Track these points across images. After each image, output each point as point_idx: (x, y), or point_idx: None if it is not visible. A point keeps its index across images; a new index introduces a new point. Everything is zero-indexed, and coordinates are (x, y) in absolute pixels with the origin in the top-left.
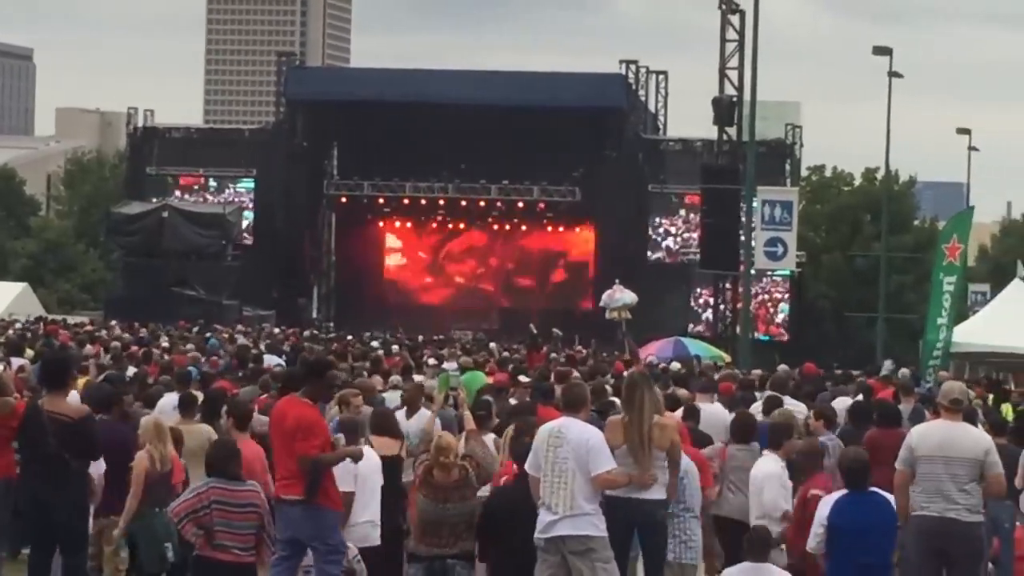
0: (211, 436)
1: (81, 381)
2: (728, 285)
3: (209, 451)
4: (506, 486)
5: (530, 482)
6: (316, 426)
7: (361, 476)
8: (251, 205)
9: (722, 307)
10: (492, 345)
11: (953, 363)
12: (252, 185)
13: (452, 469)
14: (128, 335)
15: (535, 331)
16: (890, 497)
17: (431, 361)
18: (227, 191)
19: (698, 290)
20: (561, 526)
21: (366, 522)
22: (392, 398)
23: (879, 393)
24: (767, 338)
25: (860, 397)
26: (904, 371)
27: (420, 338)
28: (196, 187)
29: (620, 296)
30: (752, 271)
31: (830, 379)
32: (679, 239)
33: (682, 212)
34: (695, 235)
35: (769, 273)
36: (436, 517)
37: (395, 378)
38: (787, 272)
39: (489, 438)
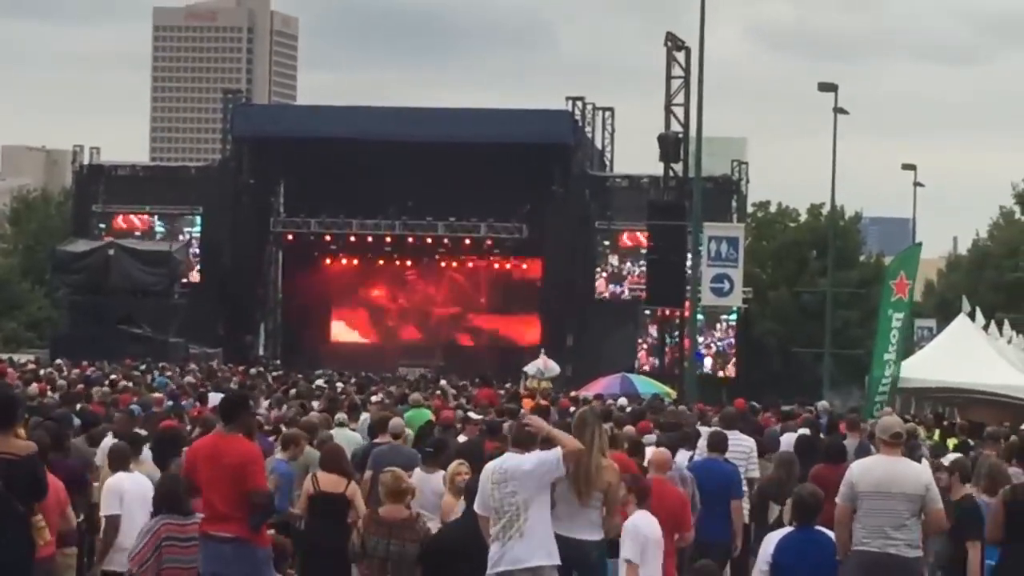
0: (155, 476)
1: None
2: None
3: (158, 487)
4: (453, 523)
5: (480, 522)
6: (261, 461)
7: (127, 499)
8: (197, 243)
9: (667, 344)
10: (443, 382)
11: (899, 398)
12: (199, 228)
13: (402, 506)
14: (76, 373)
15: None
16: (831, 534)
17: (373, 399)
18: (175, 229)
19: (644, 327)
20: (514, 557)
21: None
22: (340, 435)
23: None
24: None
25: (807, 431)
26: (823, 403)
27: (365, 375)
28: (138, 232)
29: (551, 367)
30: (699, 308)
31: (776, 415)
32: (621, 275)
33: (613, 260)
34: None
35: (722, 319)
36: (379, 553)
37: (341, 416)
38: (734, 318)
39: (439, 475)
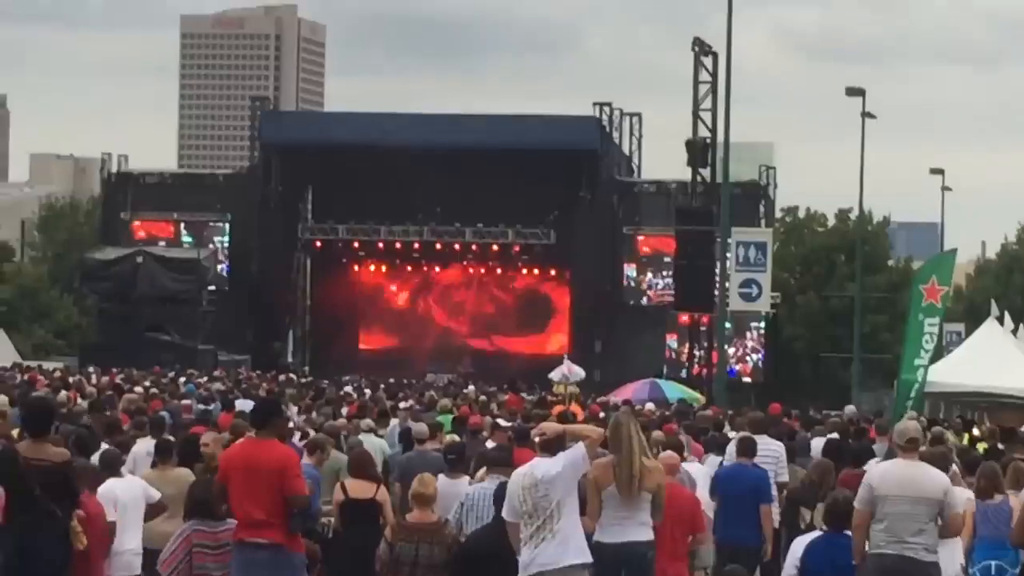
0: (189, 480)
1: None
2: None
3: (190, 493)
4: (483, 528)
5: (508, 528)
6: (298, 465)
7: (122, 504)
8: (225, 250)
9: (697, 349)
10: (470, 388)
11: (927, 402)
12: (227, 239)
13: (429, 511)
14: (105, 380)
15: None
16: None
17: (402, 404)
18: (203, 237)
19: (673, 332)
20: (547, 559)
21: (128, 550)
22: (367, 442)
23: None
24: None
25: (835, 435)
26: (850, 408)
27: (393, 381)
28: (164, 240)
29: (576, 372)
30: (727, 312)
31: (804, 420)
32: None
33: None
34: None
35: (752, 327)
36: (409, 559)
37: (367, 422)
38: (763, 325)
39: (463, 480)
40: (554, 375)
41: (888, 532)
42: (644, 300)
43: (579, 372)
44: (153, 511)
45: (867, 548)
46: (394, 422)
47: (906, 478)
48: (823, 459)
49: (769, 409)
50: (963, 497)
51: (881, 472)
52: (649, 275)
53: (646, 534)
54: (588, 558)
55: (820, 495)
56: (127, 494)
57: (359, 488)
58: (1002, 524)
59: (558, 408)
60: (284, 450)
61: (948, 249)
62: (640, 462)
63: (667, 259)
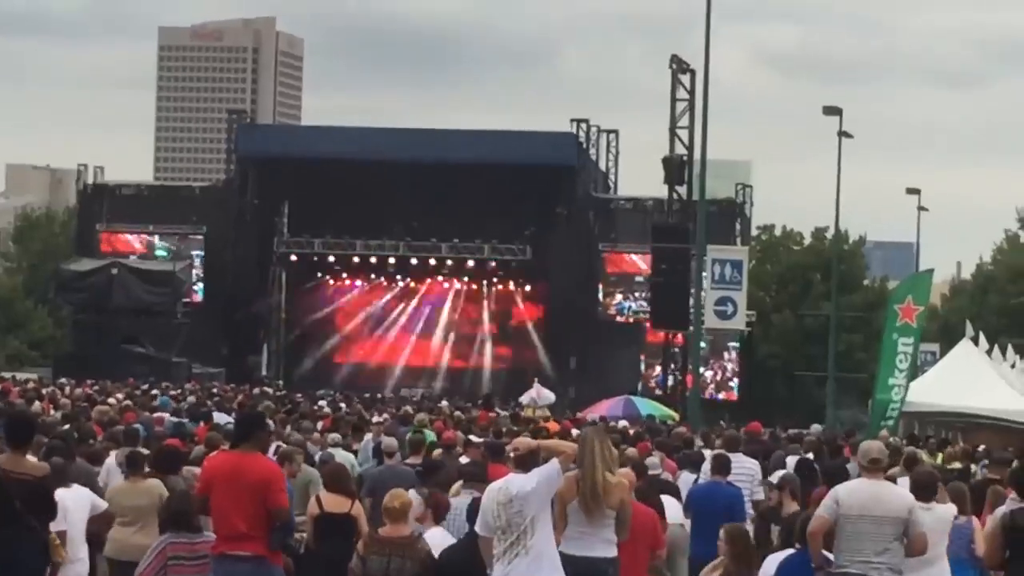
0: (162, 492)
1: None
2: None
3: (167, 505)
4: (456, 544)
5: (481, 544)
6: (282, 479)
7: (69, 513)
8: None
9: (672, 367)
10: (444, 403)
11: (903, 422)
12: (202, 252)
13: (403, 524)
14: (79, 391)
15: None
16: (831, 557)
17: (375, 419)
18: (179, 250)
19: (647, 349)
20: (519, 572)
21: (80, 560)
22: (338, 455)
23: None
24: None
25: (810, 455)
26: (816, 426)
27: (368, 396)
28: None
29: (545, 395)
30: (702, 330)
31: (778, 438)
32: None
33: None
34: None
35: (729, 347)
36: (380, 572)
37: (334, 436)
38: (738, 345)
39: None
40: (523, 399)
41: (852, 551)
42: (619, 319)
43: (548, 396)
44: (100, 520)
45: (831, 567)
46: (368, 436)
47: (870, 497)
48: (787, 474)
49: (749, 427)
50: (941, 515)
51: (847, 491)
52: (619, 297)
53: (609, 551)
54: (561, 575)
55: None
56: (75, 504)
57: (334, 502)
58: (964, 544)
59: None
60: (268, 464)
61: (924, 269)
62: (603, 477)
63: (638, 279)
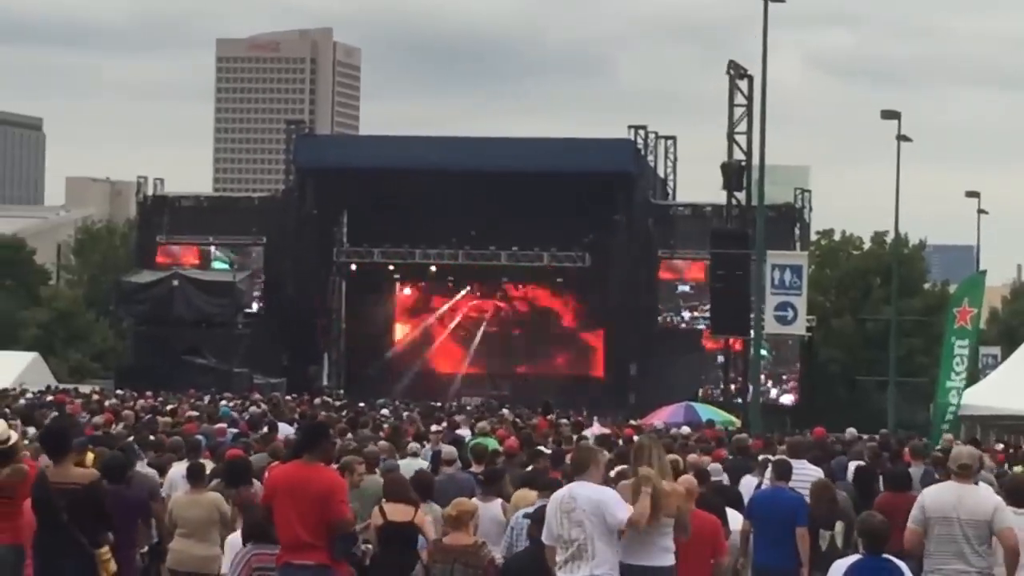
0: (220, 505)
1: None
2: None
3: (249, 517)
4: (523, 552)
5: (546, 552)
6: (345, 490)
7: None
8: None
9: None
10: (505, 411)
11: (964, 426)
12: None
13: (466, 533)
14: (142, 403)
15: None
16: (901, 564)
17: (433, 428)
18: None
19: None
20: None
21: None
22: (408, 465)
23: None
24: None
25: (862, 462)
26: (851, 430)
27: (434, 404)
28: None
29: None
30: (763, 335)
31: (839, 443)
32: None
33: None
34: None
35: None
36: None
37: (414, 445)
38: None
39: (496, 503)
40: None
41: (942, 556)
42: (682, 325)
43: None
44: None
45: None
46: (428, 445)
47: (957, 500)
48: (820, 479)
49: (814, 433)
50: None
51: (933, 494)
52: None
53: (666, 559)
54: None
55: (821, 514)
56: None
57: (397, 512)
58: None
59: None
60: (331, 474)
61: (979, 271)
62: (658, 486)
63: (682, 288)
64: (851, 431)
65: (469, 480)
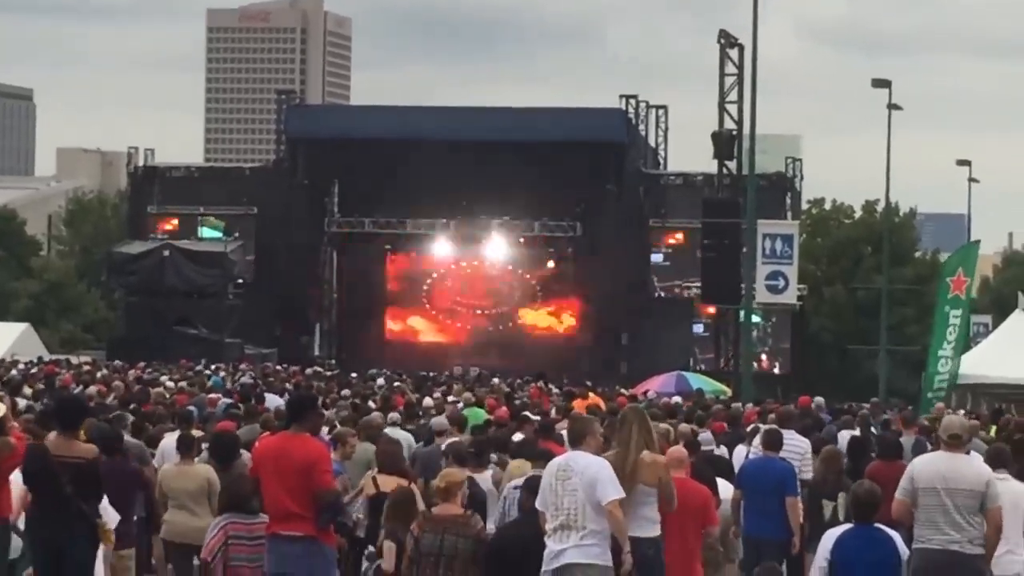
0: (210, 477)
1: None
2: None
3: (226, 488)
4: (515, 521)
5: (541, 519)
6: (328, 459)
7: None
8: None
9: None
10: (495, 381)
11: (955, 394)
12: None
13: (455, 503)
14: (132, 374)
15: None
16: (893, 533)
17: (426, 402)
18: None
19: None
20: (570, 554)
21: None
22: (394, 435)
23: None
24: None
25: (858, 431)
26: (819, 398)
27: (423, 374)
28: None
29: None
30: (753, 304)
31: (832, 412)
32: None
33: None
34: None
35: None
36: (433, 550)
37: (394, 415)
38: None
39: (487, 474)
40: None
41: (931, 525)
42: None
43: None
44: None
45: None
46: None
47: (948, 470)
48: (831, 448)
49: (799, 402)
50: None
51: (923, 464)
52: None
53: (650, 530)
54: (609, 562)
55: (829, 483)
56: None
57: (390, 483)
58: None
59: (581, 403)
60: (315, 444)
61: (972, 241)
62: (634, 458)
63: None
64: (819, 400)
65: (459, 451)
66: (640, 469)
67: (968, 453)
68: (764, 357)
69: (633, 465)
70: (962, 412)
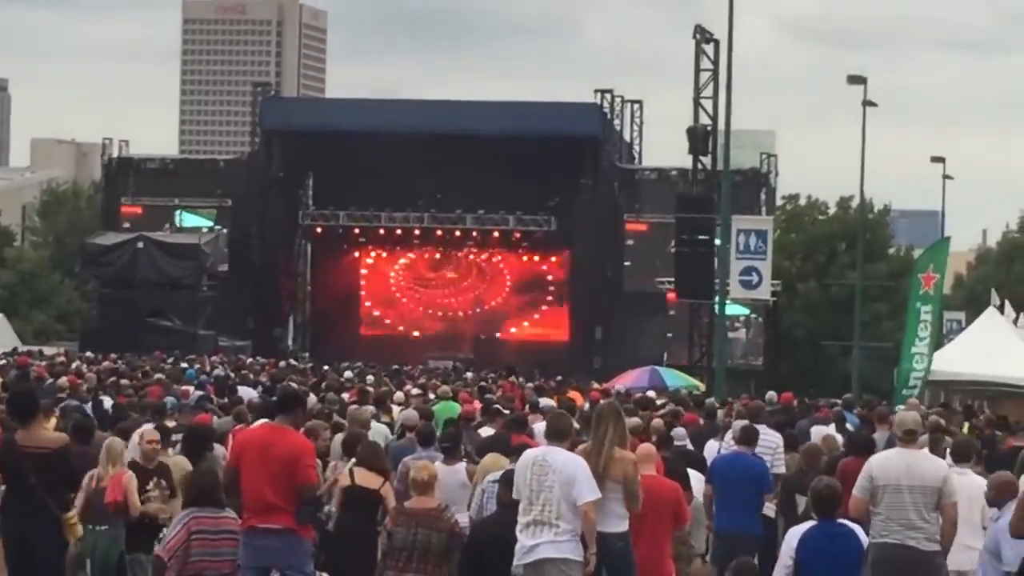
0: (187, 468)
1: (53, 420)
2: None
3: (192, 480)
4: (493, 516)
5: (518, 509)
6: (313, 454)
7: None
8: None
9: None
10: (468, 375)
11: (929, 391)
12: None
13: (429, 497)
14: (106, 365)
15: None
16: (856, 528)
17: (414, 391)
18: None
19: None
20: (544, 549)
21: None
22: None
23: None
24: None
25: (832, 427)
26: (771, 393)
27: (396, 368)
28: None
29: None
30: (727, 300)
31: (803, 408)
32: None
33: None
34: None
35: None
36: (406, 544)
37: (371, 409)
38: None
39: (460, 467)
40: None
41: (889, 522)
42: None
43: None
44: None
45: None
46: (396, 409)
47: (905, 467)
48: (812, 443)
49: (782, 398)
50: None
51: (881, 461)
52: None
53: (616, 525)
54: (580, 557)
55: (810, 479)
56: None
57: (366, 478)
58: None
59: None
60: (300, 438)
61: (944, 237)
62: (607, 453)
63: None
64: (770, 394)
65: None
66: (610, 465)
67: (921, 448)
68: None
69: (605, 461)
70: (936, 409)
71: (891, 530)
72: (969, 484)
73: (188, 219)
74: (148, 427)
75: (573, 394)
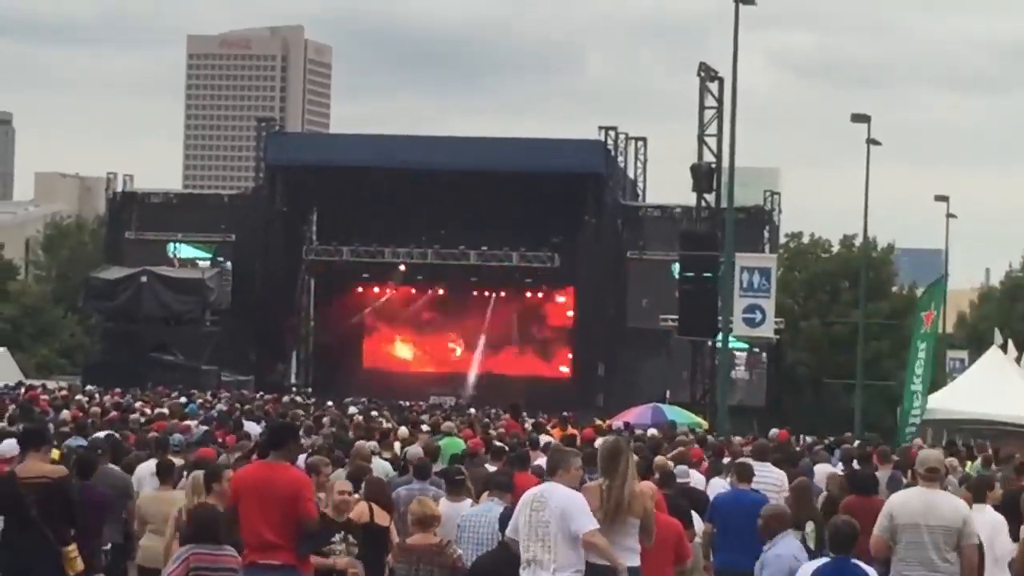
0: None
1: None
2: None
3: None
4: (490, 553)
5: (513, 547)
6: (311, 488)
7: None
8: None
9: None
10: (471, 411)
11: (931, 429)
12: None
13: (430, 533)
14: (108, 399)
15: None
16: (869, 568)
17: (424, 427)
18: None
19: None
20: None
21: None
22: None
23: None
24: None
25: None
26: (775, 431)
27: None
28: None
29: None
30: (731, 338)
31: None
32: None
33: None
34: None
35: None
36: None
37: (372, 444)
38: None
39: (465, 504)
40: None
41: (909, 561)
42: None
43: None
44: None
45: None
46: (396, 445)
47: (926, 506)
48: (801, 479)
49: (777, 436)
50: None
51: (900, 500)
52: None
53: (631, 559)
54: None
55: (802, 516)
56: None
57: (381, 515)
58: None
59: (558, 432)
60: (297, 474)
61: (941, 275)
62: (631, 488)
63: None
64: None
65: (436, 481)
66: (633, 500)
67: (944, 488)
68: (741, 384)
69: (630, 495)
70: (940, 448)
71: (913, 570)
72: (990, 521)
73: (185, 250)
74: (342, 479)
75: (556, 432)
